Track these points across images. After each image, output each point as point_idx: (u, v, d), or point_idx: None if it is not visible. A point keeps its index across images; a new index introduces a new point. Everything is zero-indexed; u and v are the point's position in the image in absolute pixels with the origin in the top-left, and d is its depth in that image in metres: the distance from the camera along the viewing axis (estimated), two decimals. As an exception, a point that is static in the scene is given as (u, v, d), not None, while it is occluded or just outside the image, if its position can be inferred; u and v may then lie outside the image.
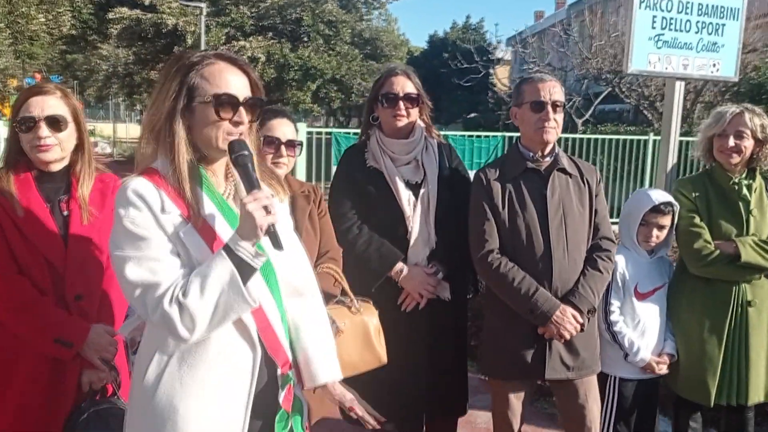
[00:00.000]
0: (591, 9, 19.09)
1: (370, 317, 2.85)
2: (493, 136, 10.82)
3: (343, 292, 2.84)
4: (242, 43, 17.75)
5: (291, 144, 2.78)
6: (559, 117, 2.89)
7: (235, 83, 1.81)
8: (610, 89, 17.20)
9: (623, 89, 16.36)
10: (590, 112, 16.93)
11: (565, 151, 10.48)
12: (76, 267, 2.37)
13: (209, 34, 17.80)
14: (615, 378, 3.18)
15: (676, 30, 3.87)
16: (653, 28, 3.82)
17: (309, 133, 10.51)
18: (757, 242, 3.04)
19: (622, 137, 11.84)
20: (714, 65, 4.03)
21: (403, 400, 3.03)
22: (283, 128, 2.78)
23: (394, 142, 3.10)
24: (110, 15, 18.52)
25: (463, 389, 3.23)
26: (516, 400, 2.98)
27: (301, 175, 9.22)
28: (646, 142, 11.57)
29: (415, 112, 3.11)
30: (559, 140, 3.01)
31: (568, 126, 16.94)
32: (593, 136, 11.98)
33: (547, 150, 2.94)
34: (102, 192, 2.50)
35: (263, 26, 18.45)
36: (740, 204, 3.09)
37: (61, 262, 2.35)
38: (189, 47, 17.88)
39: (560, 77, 18.48)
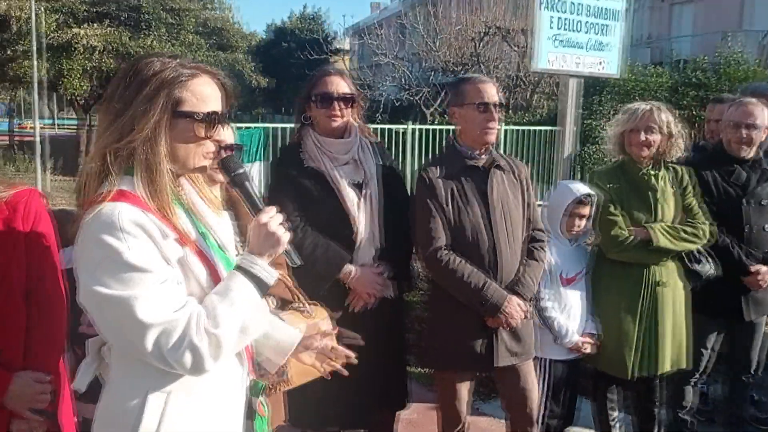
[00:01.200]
0: (433, 2, 19.78)
1: (322, 320, 2.82)
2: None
3: (294, 297, 2.79)
4: (76, 30, 16.45)
5: (231, 148, 2.68)
6: (498, 118, 3.01)
7: (218, 99, 1.73)
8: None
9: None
10: (438, 102, 17.51)
11: (420, 141, 10.72)
12: None
13: (38, 20, 16.33)
14: (546, 360, 3.37)
15: (570, 30, 4.14)
16: (551, 28, 4.06)
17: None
18: (666, 228, 3.36)
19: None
20: (600, 63, 4.36)
21: (352, 400, 3.03)
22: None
23: (332, 141, 3.07)
24: None
25: (404, 383, 3.29)
26: (463, 389, 3.09)
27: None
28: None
29: (349, 112, 3.09)
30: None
31: (418, 117, 17.48)
32: (447, 127, 12.45)
33: (484, 147, 3.05)
34: (6, 221, 2.06)
35: (99, 13, 17.20)
36: (650, 193, 3.38)
37: None
38: (15, 34, 16.33)
39: (407, 68, 19.04)
